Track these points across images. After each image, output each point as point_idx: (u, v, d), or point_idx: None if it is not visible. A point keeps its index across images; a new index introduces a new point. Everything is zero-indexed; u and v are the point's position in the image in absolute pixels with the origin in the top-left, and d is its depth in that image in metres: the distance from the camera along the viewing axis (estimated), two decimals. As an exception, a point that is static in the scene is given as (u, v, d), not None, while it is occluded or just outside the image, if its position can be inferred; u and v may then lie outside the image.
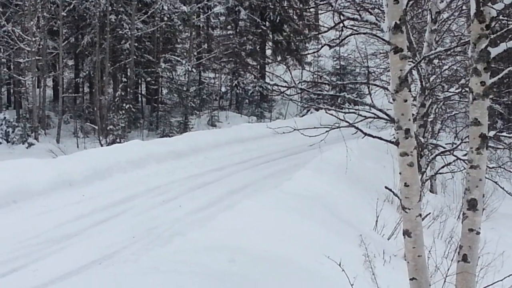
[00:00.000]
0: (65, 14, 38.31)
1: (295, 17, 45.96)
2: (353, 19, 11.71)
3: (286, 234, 9.95)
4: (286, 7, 44.42)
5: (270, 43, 47.37)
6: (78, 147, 32.81)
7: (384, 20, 6.41)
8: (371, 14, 13.75)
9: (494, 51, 6.05)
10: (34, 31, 36.66)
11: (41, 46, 37.64)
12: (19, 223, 13.11)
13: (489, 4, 5.90)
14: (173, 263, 7.99)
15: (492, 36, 6.00)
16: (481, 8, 5.89)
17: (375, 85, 15.73)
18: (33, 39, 36.58)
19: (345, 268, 6.12)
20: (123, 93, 39.55)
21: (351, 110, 12.53)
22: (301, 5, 45.90)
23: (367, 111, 13.11)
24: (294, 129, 9.75)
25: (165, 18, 39.51)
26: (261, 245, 8.96)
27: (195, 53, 43.47)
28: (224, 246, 8.69)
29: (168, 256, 8.72)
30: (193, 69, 42.07)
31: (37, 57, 37.51)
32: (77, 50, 42.13)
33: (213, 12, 44.01)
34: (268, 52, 48.96)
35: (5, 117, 37.64)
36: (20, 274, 9.90)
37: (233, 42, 44.89)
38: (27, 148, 35.26)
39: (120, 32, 39.07)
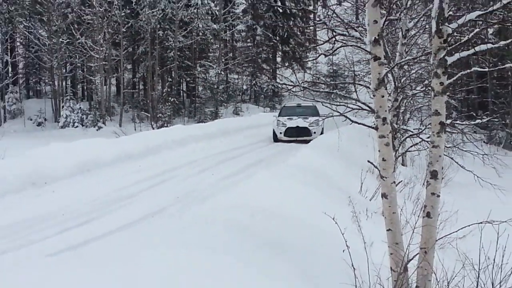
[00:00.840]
0: (124, 30, 38.51)
1: (298, 33, 45.77)
2: (343, 34, 11.71)
3: (292, 197, 9.97)
4: (292, 26, 44.20)
5: (280, 53, 47.24)
6: (135, 129, 32.97)
7: (366, 35, 6.40)
8: (356, 31, 13.66)
9: (450, 59, 6.04)
10: (101, 42, 36.82)
11: (107, 54, 37.80)
12: (92, 187, 13.22)
13: (446, 24, 5.91)
14: (208, 218, 8.04)
15: (448, 48, 5.99)
16: (440, 27, 5.88)
17: (359, 84, 15.66)
18: (101, 48, 36.74)
19: (338, 222, 6.13)
20: (169, 90, 39.77)
21: (341, 104, 12.52)
22: (303, 24, 45.79)
23: (354, 104, 13.14)
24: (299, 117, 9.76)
25: (200, 33, 39.52)
26: (274, 205, 8.99)
27: (223, 60, 43.43)
28: (246, 206, 8.71)
29: (204, 213, 8.76)
30: (222, 72, 42.24)
31: (103, 62, 37.67)
32: (134, 57, 42.34)
33: (236, 29, 43.98)
34: (278, 59, 48.80)
35: (80, 107, 38.03)
36: (93, 224, 9.99)
37: (251, 52, 44.79)
38: (97, 130, 35.51)
39: (166, 43, 39.26)
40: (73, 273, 5.64)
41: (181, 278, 5.17)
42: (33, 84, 46.31)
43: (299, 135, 23.22)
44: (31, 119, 39.66)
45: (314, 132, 23.04)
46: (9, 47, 42.36)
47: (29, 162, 13.62)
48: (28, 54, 42.25)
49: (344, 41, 12.36)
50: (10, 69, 42.47)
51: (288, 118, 23.95)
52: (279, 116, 24.87)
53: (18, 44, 43.81)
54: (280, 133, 23.62)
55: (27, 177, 12.88)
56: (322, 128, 23.45)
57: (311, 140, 20.88)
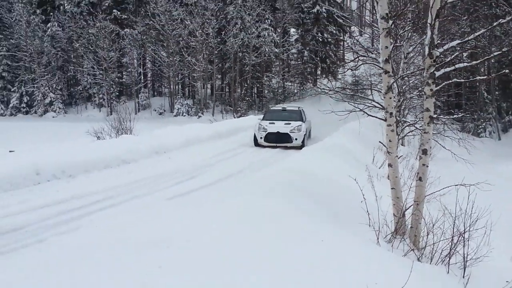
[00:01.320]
0: (216, 52, 38.70)
1: (332, 55, 44.97)
2: (363, 56, 11.44)
3: (326, 164, 9.92)
4: (328, 50, 43.43)
5: (320, 68, 46.53)
6: (222, 118, 33.18)
7: (380, 56, 6.27)
8: (372, 53, 13.40)
9: (437, 73, 5.89)
10: (201, 60, 37.15)
11: (204, 68, 38.12)
12: (195, 155, 13.42)
13: (435, 49, 5.76)
14: (268, 176, 8.08)
15: (436, 66, 5.84)
16: (431, 51, 5.74)
17: (374, 89, 15.33)
18: (201, 64, 37.09)
19: (358, 181, 6.09)
20: (245, 92, 39.88)
21: (361, 103, 12.33)
22: (335, 49, 44.98)
23: (370, 103, 12.88)
24: (332, 112, 9.68)
25: (266, 55, 39.30)
26: (313, 169, 8.97)
27: (281, 73, 43.15)
28: (294, 170, 8.72)
29: (266, 173, 8.81)
30: (280, 80, 42.02)
31: (202, 73, 38.05)
32: (222, 70, 42.53)
33: (290, 52, 43.56)
34: (319, 72, 48.12)
35: (187, 103, 38.80)
36: (195, 180, 10.18)
37: (300, 67, 44.20)
38: (197, 118, 35.98)
39: (244, 61, 39.19)
40: (181, 210, 5.85)
41: (247, 210, 5.47)
42: (157, 87, 47.29)
43: (279, 141, 15.94)
44: (155, 110, 40.70)
45: (296, 139, 15.86)
46: (142, 63, 44.06)
47: (154, 138, 13.96)
48: (153, 67, 43.18)
49: (364, 60, 12.17)
50: (142, 77, 44.10)
51: (270, 123, 16.45)
52: (262, 119, 17.24)
53: (147, 61, 44.80)
54: (261, 138, 16.06)
55: (153, 148, 13.21)
56: (305, 134, 16.33)
57: (293, 146, 15.93)
